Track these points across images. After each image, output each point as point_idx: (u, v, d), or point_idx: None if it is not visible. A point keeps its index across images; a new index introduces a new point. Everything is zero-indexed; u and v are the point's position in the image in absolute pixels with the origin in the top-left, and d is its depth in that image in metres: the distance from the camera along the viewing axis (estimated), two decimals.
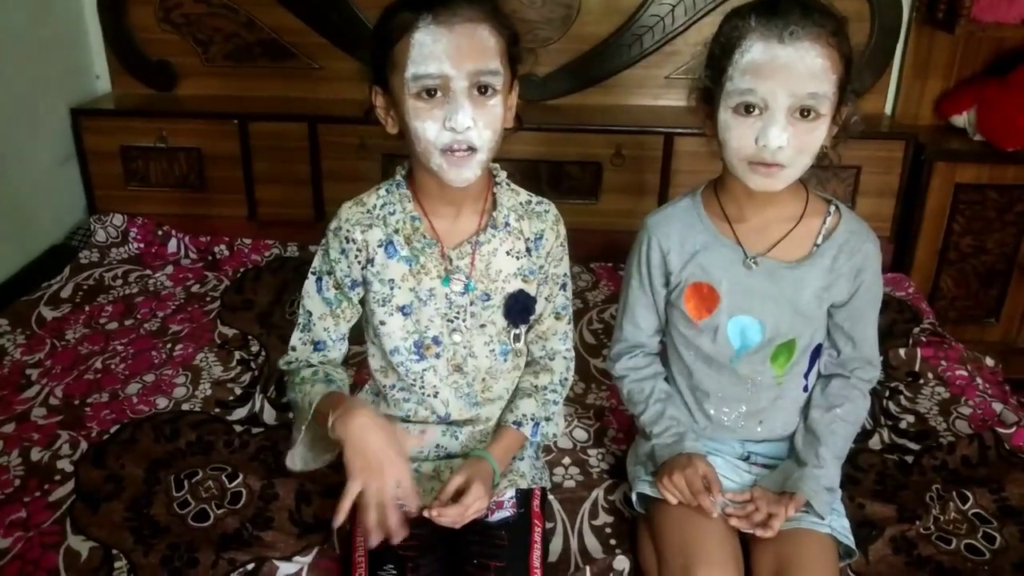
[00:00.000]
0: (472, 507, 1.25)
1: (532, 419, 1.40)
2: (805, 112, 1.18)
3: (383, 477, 1.15)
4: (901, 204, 2.40)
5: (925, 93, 2.49)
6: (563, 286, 1.42)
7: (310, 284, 1.36)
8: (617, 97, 2.56)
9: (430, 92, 1.17)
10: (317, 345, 1.37)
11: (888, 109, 2.54)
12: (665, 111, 2.50)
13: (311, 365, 1.36)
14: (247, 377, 1.89)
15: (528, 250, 1.35)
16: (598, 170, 2.43)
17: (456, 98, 1.16)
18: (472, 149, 1.19)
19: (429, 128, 1.18)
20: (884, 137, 2.39)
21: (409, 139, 1.22)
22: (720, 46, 1.23)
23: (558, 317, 1.42)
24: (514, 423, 1.39)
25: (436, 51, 1.15)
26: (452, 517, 1.24)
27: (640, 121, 2.44)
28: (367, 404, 1.30)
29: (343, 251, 1.31)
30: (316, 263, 1.36)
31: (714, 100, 1.24)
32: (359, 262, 1.31)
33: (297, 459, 1.31)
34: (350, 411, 1.18)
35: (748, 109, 1.19)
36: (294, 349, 1.37)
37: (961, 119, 2.42)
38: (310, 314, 1.36)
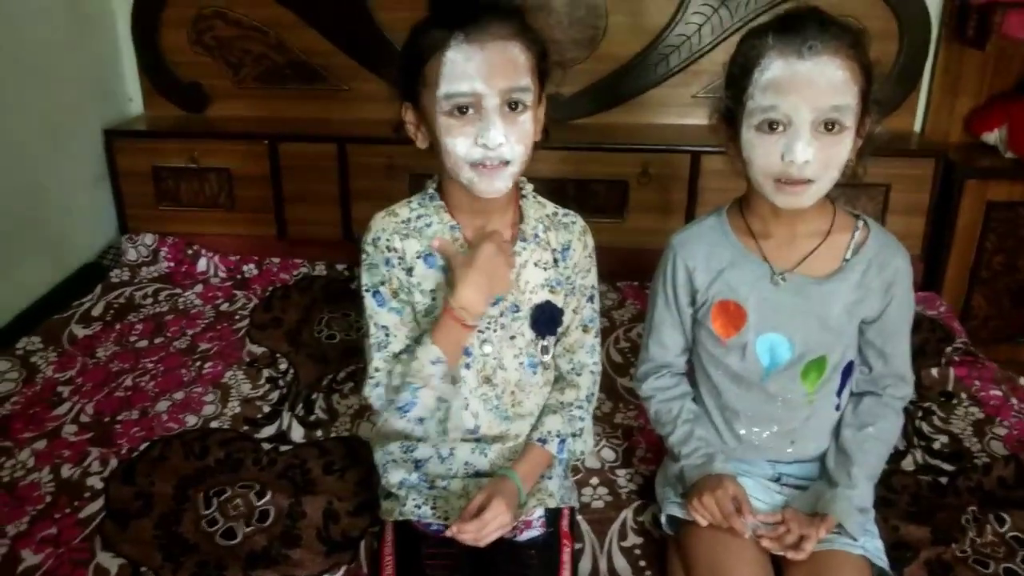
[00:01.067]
0: (492, 524, 1.24)
1: (558, 435, 1.39)
2: (829, 125, 1.18)
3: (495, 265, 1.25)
4: (932, 222, 2.38)
5: (955, 110, 2.47)
6: (591, 298, 1.42)
7: (370, 301, 1.32)
8: (644, 116, 2.56)
9: (462, 109, 1.18)
10: (399, 356, 1.32)
11: (918, 127, 2.52)
12: (692, 130, 2.49)
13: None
14: (275, 395, 1.89)
15: (555, 261, 1.36)
16: (624, 188, 2.42)
17: (488, 115, 1.18)
18: (506, 162, 1.21)
19: (460, 144, 1.19)
20: (914, 155, 2.37)
21: (439, 154, 1.23)
22: (739, 66, 1.22)
23: (585, 330, 1.42)
24: (539, 440, 1.39)
25: (468, 69, 1.16)
26: (472, 534, 1.23)
27: (667, 140, 2.44)
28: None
29: (386, 260, 1.31)
30: (365, 280, 1.33)
31: (736, 120, 1.24)
32: (403, 269, 1.32)
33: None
34: (453, 302, 1.24)
35: (772, 126, 1.19)
36: (378, 371, 1.30)
37: (992, 136, 2.39)
38: (385, 328, 1.31)
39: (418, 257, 1.31)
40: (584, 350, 1.43)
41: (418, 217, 1.33)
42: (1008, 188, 2.31)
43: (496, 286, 1.27)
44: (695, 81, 2.51)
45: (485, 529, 1.24)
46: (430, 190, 1.35)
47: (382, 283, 1.32)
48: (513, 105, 1.19)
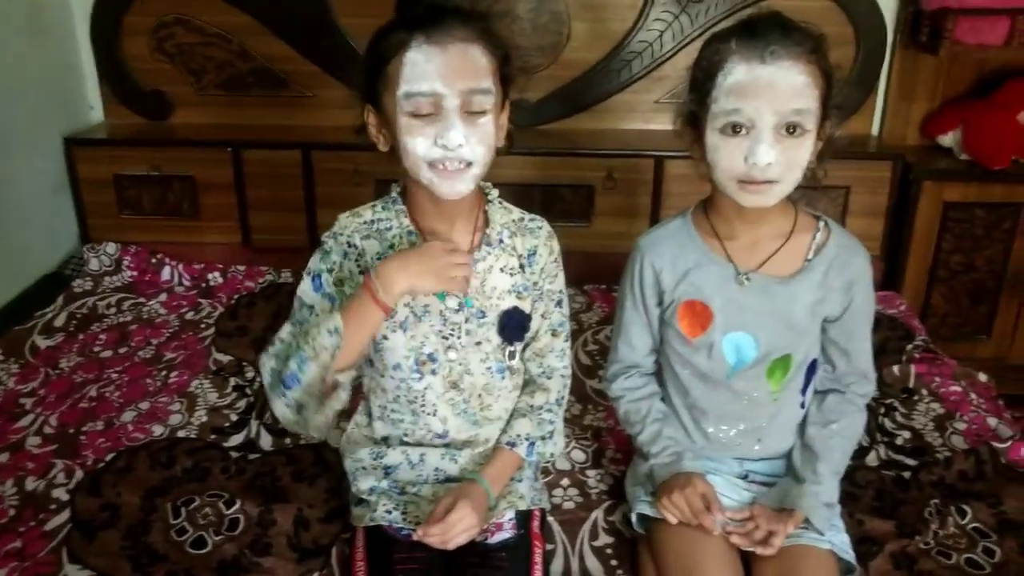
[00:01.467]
0: (456, 526, 1.24)
1: (527, 439, 1.40)
2: (791, 128, 1.20)
3: (443, 269, 1.23)
4: (890, 223, 2.43)
5: (911, 114, 2.52)
6: (559, 303, 1.42)
7: (307, 283, 1.30)
8: (608, 121, 2.59)
9: (422, 110, 1.18)
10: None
11: (875, 130, 2.57)
12: (655, 135, 2.52)
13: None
14: (243, 403, 1.88)
15: (522, 267, 1.36)
16: (590, 193, 2.44)
17: (448, 116, 1.18)
18: (468, 163, 1.21)
19: (420, 144, 1.19)
20: (872, 158, 2.42)
21: (400, 156, 1.23)
22: (703, 70, 1.24)
23: (555, 334, 1.43)
24: (508, 443, 1.39)
25: (429, 70, 1.16)
26: (437, 537, 1.24)
27: (631, 145, 2.46)
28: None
29: (344, 254, 1.32)
30: (313, 264, 1.32)
31: (700, 123, 1.26)
32: (358, 266, 1.32)
33: (321, 428, 1.26)
34: (374, 274, 1.20)
35: (735, 129, 1.21)
36: (282, 341, 1.24)
37: (947, 139, 2.45)
38: (311, 308, 1.28)
39: (377, 258, 1.31)
40: (554, 354, 1.43)
41: (380, 220, 1.33)
42: (963, 189, 2.37)
43: (429, 280, 1.21)
44: (658, 87, 2.54)
45: (450, 532, 1.24)
46: (394, 194, 1.35)
47: (329, 270, 1.30)
48: (474, 108, 1.20)
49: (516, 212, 1.40)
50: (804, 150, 1.22)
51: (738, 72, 1.19)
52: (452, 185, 1.23)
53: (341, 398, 1.23)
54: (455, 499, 1.27)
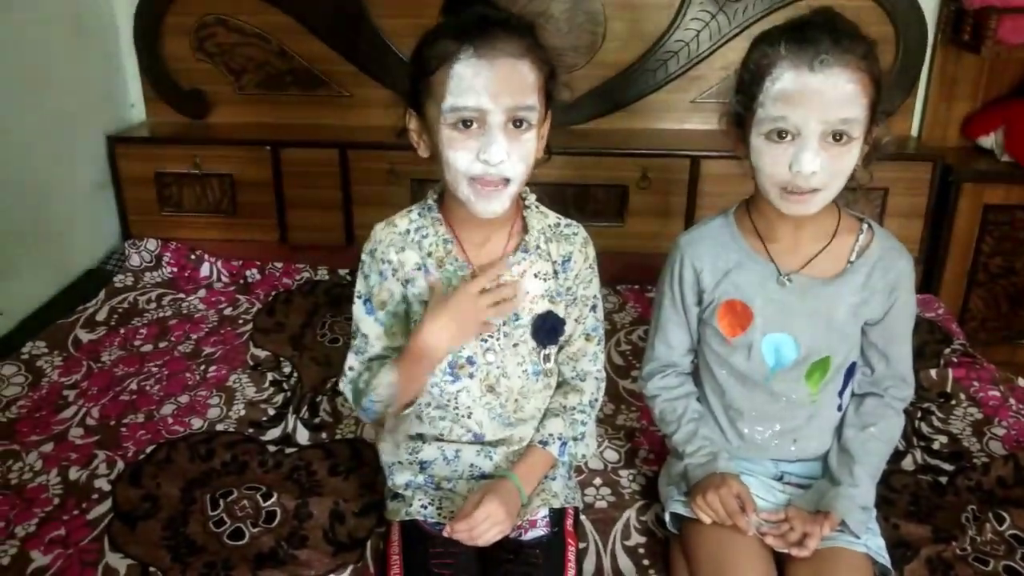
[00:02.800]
0: (483, 523, 1.25)
1: (560, 438, 1.40)
2: (837, 136, 1.19)
3: (475, 320, 1.26)
4: (929, 225, 2.40)
5: (952, 114, 2.49)
6: (593, 308, 1.42)
7: (359, 308, 1.36)
8: (643, 121, 2.58)
9: (466, 123, 1.18)
10: (373, 361, 1.37)
11: (915, 131, 2.55)
12: (691, 134, 2.51)
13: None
14: (280, 398, 1.91)
15: (555, 272, 1.36)
16: (624, 193, 2.44)
17: (491, 131, 1.17)
18: (506, 180, 1.21)
19: (461, 158, 1.19)
20: (911, 159, 2.39)
21: (440, 166, 1.24)
22: (750, 73, 1.23)
23: (588, 339, 1.43)
24: (540, 442, 1.40)
25: (476, 85, 1.16)
26: (464, 532, 1.25)
27: (666, 144, 2.45)
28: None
29: (381, 272, 1.33)
30: (359, 286, 1.37)
31: (745, 125, 1.25)
32: (399, 280, 1.33)
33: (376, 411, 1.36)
34: (425, 341, 1.25)
35: (780, 135, 1.20)
36: (352, 369, 1.37)
37: (988, 140, 2.41)
38: (366, 337, 1.36)
39: (417, 269, 1.32)
40: (587, 358, 1.44)
41: (417, 229, 1.34)
42: (1004, 191, 2.34)
43: (468, 334, 1.28)
44: (694, 86, 2.53)
45: (477, 528, 1.24)
46: (430, 200, 1.35)
47: (372, 295, 1.35)
48: (517, 123, 1.19)
49: (552, 217, 1.40)
50: (850, 158, 1.21)
51: (786, 79, 1.18)
52: (488, 204, 1.23)
53: (411, 418, 1.38)
54: (483, 495, 1.28)
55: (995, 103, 2.44)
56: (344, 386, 1.38)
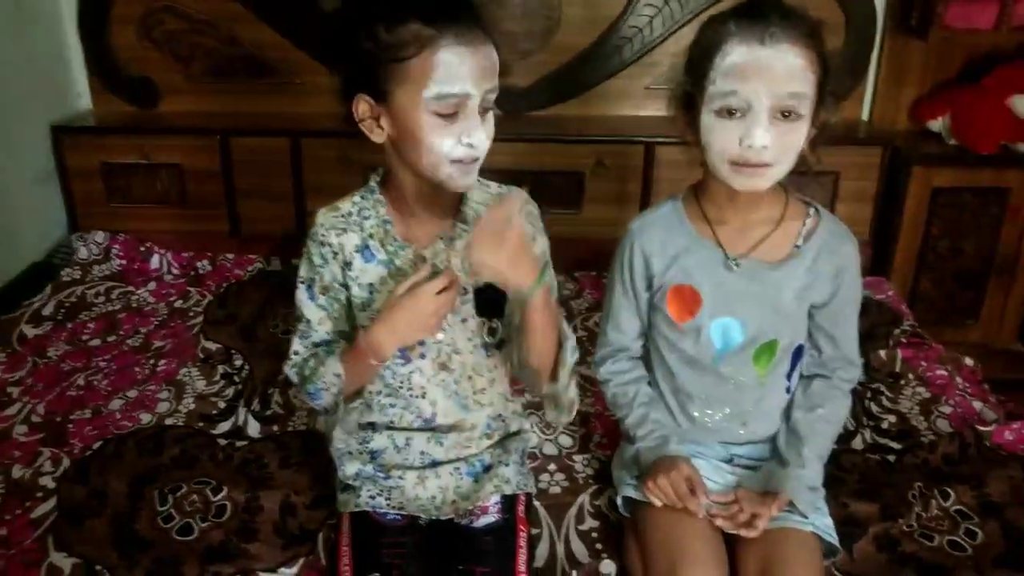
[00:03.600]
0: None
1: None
2: (786, 112, 1.20)
3: (427, 321, 1.23)
4: (879, 208, 2.43)
5: (901, 99, 2.52)
6: (546, 265, 1.37)
7: (301, 293, 1.35)
8: (598, 108, 2.58)
9: (450, 110, 1.17)
10: (318, 346, 1.36)
11: (865, 115, 2.57)
12: (646, 121, 2.52)
13: (316, 356, 1.36)
14: (231, 391, 1.88)
15: None
16: (580, 180, 2.44)
17: (472, 116, 1.17)
18: (478, 159, 1.21)
19: (446, 143, 1.18)
20: (862, 143, 2.42)
21: (414, 151, 1.20)
22: (700, 50, 1.24)
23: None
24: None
25: (463, 72, 1.14)
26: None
27: (621, 131, 2.46)
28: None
29: (322, 256, 1.32)
30: (302, 271, 1.35)
31: (695, 105, 1.26)
32: (339, 263, 1.32)
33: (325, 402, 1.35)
34: (374, 338, 1.24)
35: (731, 112, 1.21)
36: (296, 354, 1.37)
37: (937, 124, 2.45)
38: (309, 321, 1.35)
39: (356, 251, 1.31)
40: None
41: (359, 211, 1.33)
42: (952, 174, 2.37)
43: (417, 334, 1.26)
44: (648, 73, 2.53)
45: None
46: (372, 183, 1.34)
47: (315, 279, 1.34)
48: (486, 105, 1.20)
49: (493, 186, 1.39)
50: (798, 134, 1.22)
51: (736, 53, 1.19)
52: (468, 178, 1.23)
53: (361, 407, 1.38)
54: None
55: (943, 88, 2.48)
56: (289, 370, 1.37)
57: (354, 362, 1.28)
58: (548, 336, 1.26)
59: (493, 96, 1.20)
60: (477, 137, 1.18)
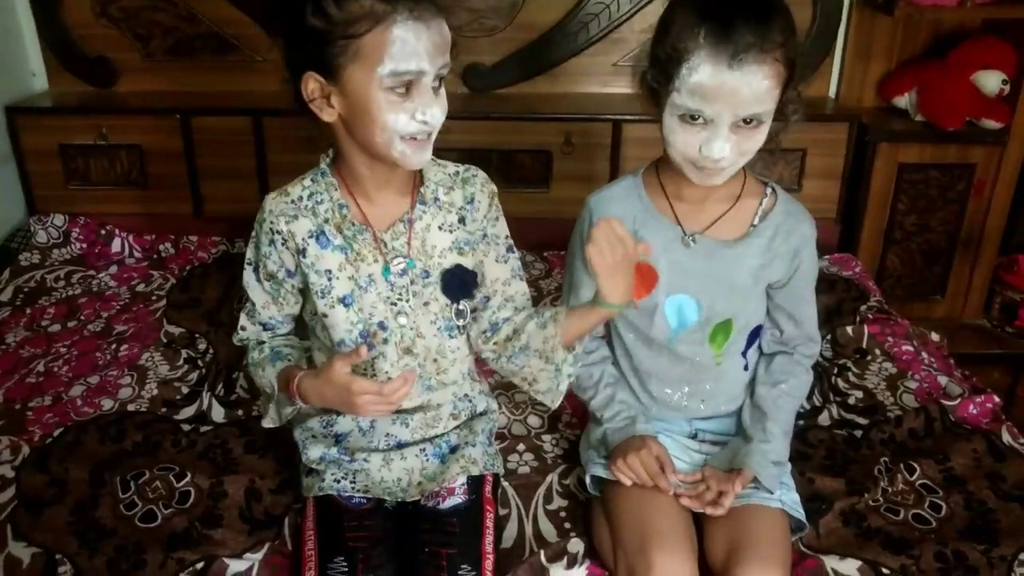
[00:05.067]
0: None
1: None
2: (748, 120, 1.20)
3: (355, 401, 1.20)
4: (846, 185, 2.43)
5: (868, 76, 2.52)
6: (509, 248, 1.39)
7: (248, 274, 1.36)
8: (565, 85, 2.56)
9: (406, 86, 1.16)
10: (265, 326, 1.38)
11: (832, 92, 2.57)
12: (613, 98, 2.50)
13: (261, 343, 1.38)
14: (194, 376, 1.85)
15: (462, 219, 1.33)
16: (548, 159, 2.42)
17: (426, 92, 1.17)
18: (431, 135, 1.21)
19: (400, 120, 1.16)
20: (828, 120, 2.42)
21: (367, 129, 1.18)
22: (666, 52, 1.21)
23: (522, 279, 1.41)
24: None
25: (418, 48, 1.13)
26: None
27: (588, 109, 2.44)
28: (310, 374, 1.28)
29: (271, 242, 1.29)
30: (249, 253, 1.35)
31: (660, 100, 1.24)
32: (290, 251, 1.29)
33: (274, 418, 1.37)
34: (306, 391, 1.26)
35: (693, 118, 1.20)
36: (244, 328, 1.40)
37: (903, 100, 2.45)
38: (254, 303, 1.37)
39: (310, 237, 1.28)
40: (525, 297, 1.41)
41: (310, 196, 1.30)
42: (919, 150, 2.38)
43: (344, 408, 1.27)
44: (615, 49, 2.51)
45: None
46: (323, 166, 1.31)
47: (261, 264, 1.33)
48: (439, 80, 1.19)
49: (451, 167, 1.37)
50: (758, 138, 1.23)
51: (703, 72, 1.16)
52: (422, 155, 1.22)
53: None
54: None
55: (909, 63, 2.48)
56: (236, 340, 1.42)
57: (285, 384, 1.29)
58: (581, 336, 1.31)
59: (446, 71, 1.19)
60: (431, 113, 1.17)
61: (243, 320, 1.39)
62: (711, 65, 1.16)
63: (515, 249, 1.41)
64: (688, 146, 1.22)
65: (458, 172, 1.36)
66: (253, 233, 1.33)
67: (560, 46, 2.51)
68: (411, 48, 1.13)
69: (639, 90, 1.30)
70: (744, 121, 1.19)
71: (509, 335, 1.35)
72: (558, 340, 1.29)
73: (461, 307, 1.35)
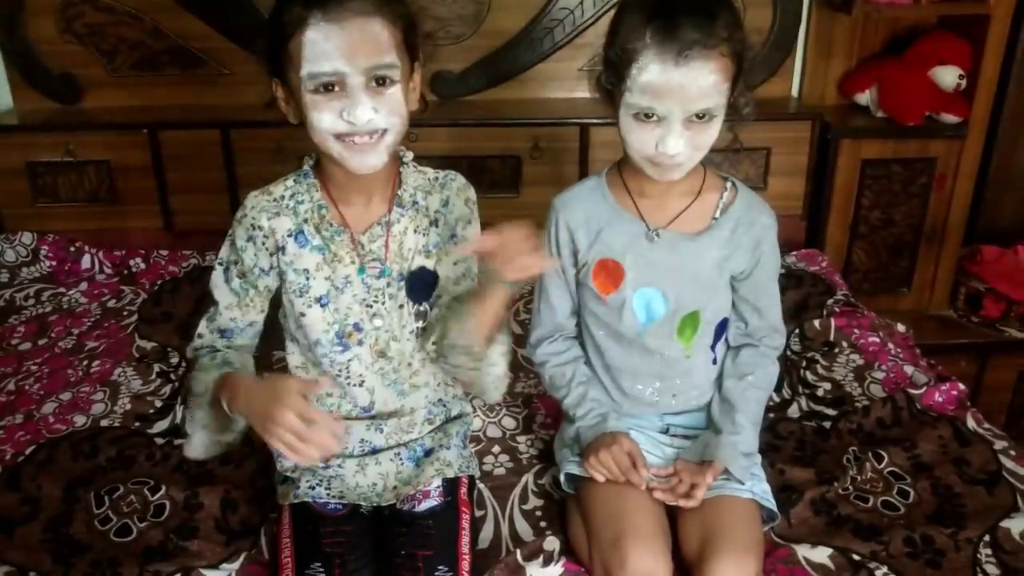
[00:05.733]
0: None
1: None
2: (700, 115, 1.23)
3: (277, 417, 1.11)
4: (811, 182, 2.47)
5: (829, 73, 2.56)
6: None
7: (217, 274, 1.35)
8: (532, 91, 2.57)
9: (327, 87, 1.17)
10: (224, 333, 1.36)
11: (795, 91, 2.60)
12: (580, 103, 2.52)
13: (215, 351, 1.34)
14: (167, 389, 1.84)
15: (435, 222, 1.34)
16: (518, 164, 2.44)
17: (354, 93, 1.16)
18: (382, 132, 1.20)
19: (325, 118, 1.18)
20: (792, 118, 2.45)
21: (308, 129, 1.21)
22: (617, 53, 1.24)
23: (472, 279, 1.38)
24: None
25: (328, 49, 1.14)
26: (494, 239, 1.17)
27: (556, 113, 2.46)
28: (252, 376, 1.27)
29: (250, 238, 1.30)
30: (223, 253, 1.34)
31: (614, 100, 1.27)
32: (267, 249, 1.30)
33: (197, 446, 1.32)
34: (238, 385, 1.21)
35: (647, 115, 1.23)
36: (200, 336, 1.36)
37: (864, 97, 2.49)
38: (217, 304, 1.35)
39: (289, 235, 1.29)
40: None
41: (292, 195, 1.31)
42: (880, 146, 2.42)
43: (260, 427, 1.15)
44: (580, 54, 2.53)
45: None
46: (306, 167, 1.33)
47: (235, 262, 1.32)
48: (380, 81, 1.18)
49: (431, 172, 1.38)
50: (712, 131, 1.25)
51: (651, 71, 1.19)
52: (363, 159, 1.21)
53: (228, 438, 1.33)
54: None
55: (869, 61, 2.52)
56: (190, 352, 1.38)
57: (216, 396, 1.23)
58: (494, 324, 1.27)
59: (388, 72, 1.18)
60: (358, 115, 1.16)
61: (202, 326, 1.36)
62: (659, 63, 1.19)
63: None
64: (644, 144, 1.25)
65: (437, 177, 1.37)
66: (230, 231, 1.33)
67: (526, 52, 2.52)
68: (320, 50, 1.14)
69: (595, 92, 1.33)
70: (696, 116, 1.22)
71: (443, 333, 1.31)
72: (473, 331, 1.25)
73: (422, 308, 1.36)
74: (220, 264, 1.34)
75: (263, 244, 1.30)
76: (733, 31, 1.22)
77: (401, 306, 1.34)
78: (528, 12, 2.49)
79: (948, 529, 1.39)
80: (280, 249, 1.30)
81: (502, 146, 2.43)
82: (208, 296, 1.37)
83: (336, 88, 1.16)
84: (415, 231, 1.33)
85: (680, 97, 1.20)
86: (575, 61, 2.54)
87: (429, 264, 1.35)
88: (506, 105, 2.53)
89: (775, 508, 1.38)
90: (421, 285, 1.34)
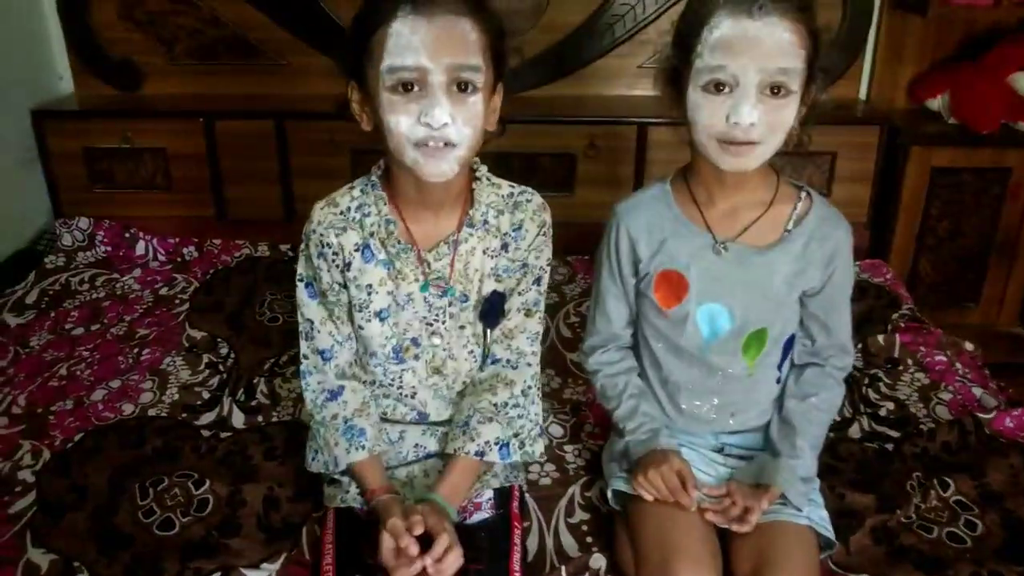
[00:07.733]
0: (447, 559, 1.15)
1: (497, 443, 1.30)
2: (775, 89, 1.16)
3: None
4: (877, 189, 2.39)
5: (899, 77, 2.47)
6: (537, 280, 1.35)
7: (301, 291, 1.32)
8: (590, 87, 2.53)
9: (406, 86, 1.12)
10: (323, 354, 1.33)
11: (863, 94, 2.52)
12: (638, 101, 2.47)
13: (329, 396, 1.34)
14: (215, 380, 1.84)
15: (505, 246, 1.30)
16: (572, 162, 2.40)
17: (433, 93, 1.11)
18: (450, 144, 1.14)
19: (403, 122, 1.13)
20: (859, 122, 2.38)
21: (383, 133, 1.16)
22: (688, 23, 1.20)
23: (528, 314, 1.35)
24: (477, 454, 1.28)
25: (413, 42, 1.10)
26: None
27: (613, 111, 2.41)
28: (391, 499, 1.25)
29: (321, 255, 1.28)
30: (301, 268, 1.32)
31: (682, 80, 1.22)
32: (337, 266, 1.28)
33: (319, 467, 1.36)
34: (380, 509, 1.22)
35: (718, 87, 1.17)
36: (306, 358, 1.36)
37: (936, 103, 2.40)
38: (311, 322, 1.33)
39: (356, 250, 1.27)
40: (525, 336, 1.35)
41: (358, 207, 1.28)
42: (952, 154, 2.33)
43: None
44: (641, 51, 2.48)
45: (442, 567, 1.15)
46: (374, 177, 1.29)
47: (314, 279, 1.30)
48: (462, 85, 1.13)
49: (506, 187, 1.33)
50: (788, 112, 1.18)
51: (724, 26, 1.15)
52: (437, 165, 1.15)
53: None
54: (430, 528, 1.17)
55: (942, 65, 2.43)
56: (303, 383, 1.37)
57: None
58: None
59: (471, 75, 1.13)
60: (435, 116, 1.10)
61: (304, 348, 1.34)
62: (732, 17, 1.15)
63: (544, 282, 1.36)
64: (714, 117, 1.18)
65: (512, 194, 1.32)
66: (302, 245, 1.30)
67: (585, 48, 2.48)
68: (405, 42, 1.10)
69: (659, 85, 1.28)
70: (772, 91, 1.16)
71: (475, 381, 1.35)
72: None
73: (490, 333, 1.33)
74: (300, 280, 1.32)
75: (333, 261, 1.27)
76: (807, 3, 1.17)
77: (462, 327, 1.31)
78: (589, 7, 2.45)
79: (1020, 567, 1.32)
80: (347, 265, 1.27)
81: (557, 144, 2.39)
82: (298, 313, 1.35)
83: (416, 87, 1.12)
84: (484, 252, 1.29)
85: (756, 52, 1.14)
86: (635, 58, 2.49)
87: (500, 287, 1.31)
88: (562, 102, 2.49)
89: (832, 536, 1.31)
90: (495, 311, 1.30)
